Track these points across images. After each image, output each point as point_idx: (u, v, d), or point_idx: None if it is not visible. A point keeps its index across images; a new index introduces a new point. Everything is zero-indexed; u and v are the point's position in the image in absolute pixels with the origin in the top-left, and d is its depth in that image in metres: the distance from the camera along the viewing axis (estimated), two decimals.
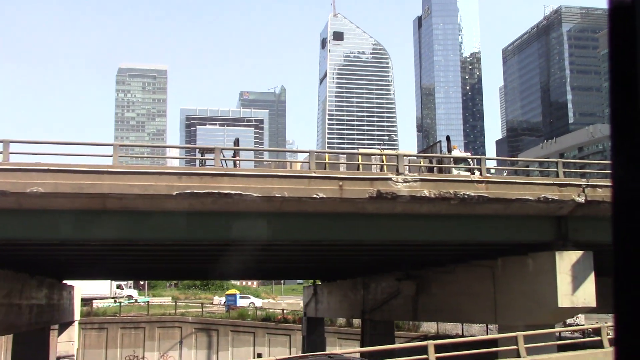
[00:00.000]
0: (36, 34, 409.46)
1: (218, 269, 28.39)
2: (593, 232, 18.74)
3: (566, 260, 18.06)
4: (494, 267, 20.99)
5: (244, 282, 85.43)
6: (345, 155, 25.78)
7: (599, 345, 19.86)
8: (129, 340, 44.00)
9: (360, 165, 21.46)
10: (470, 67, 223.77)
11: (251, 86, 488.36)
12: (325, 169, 18.95)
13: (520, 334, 17.65)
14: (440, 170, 20.05)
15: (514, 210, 17.59)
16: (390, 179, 16.28)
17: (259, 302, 56.85)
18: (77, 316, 36.08)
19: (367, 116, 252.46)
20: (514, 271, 19.96)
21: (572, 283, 17.96)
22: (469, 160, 21.99)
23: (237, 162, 20.71)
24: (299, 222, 16.74)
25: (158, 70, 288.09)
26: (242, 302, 56.74)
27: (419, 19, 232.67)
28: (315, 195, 15.64)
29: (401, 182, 16.26)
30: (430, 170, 20.33)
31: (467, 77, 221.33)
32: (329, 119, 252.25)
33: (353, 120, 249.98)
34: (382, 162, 21.37)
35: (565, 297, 17.83)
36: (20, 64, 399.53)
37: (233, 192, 14.88)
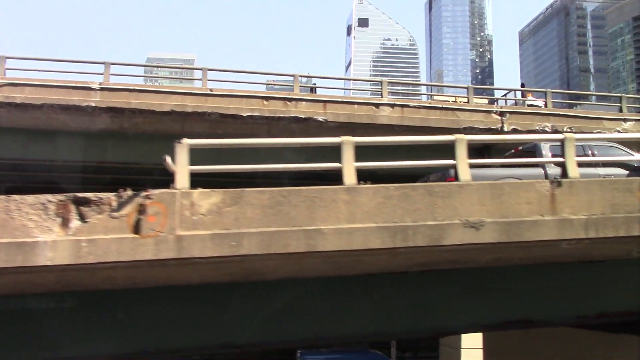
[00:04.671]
0: (65, 28, 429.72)
1: None
2: None
3: None
4: None
5: None
6: None
7: None
8: None
9: None
10: (481, 49, 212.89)
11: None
12: None
13: None
14: None
15: None
16: None
17: None
18: None
19: None
20: None
21: None
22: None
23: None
24: None
25: (186, 60, 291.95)
26: None
27: (430, 1, 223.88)
28: None
29: None
30: None
31: (477, 60, 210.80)
32: None
33: None
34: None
35: None
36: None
37: None
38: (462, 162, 7.75)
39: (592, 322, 9.48)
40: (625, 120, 18.76)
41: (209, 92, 16.59)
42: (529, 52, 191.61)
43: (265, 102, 16.72)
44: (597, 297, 8.84)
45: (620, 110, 19.86)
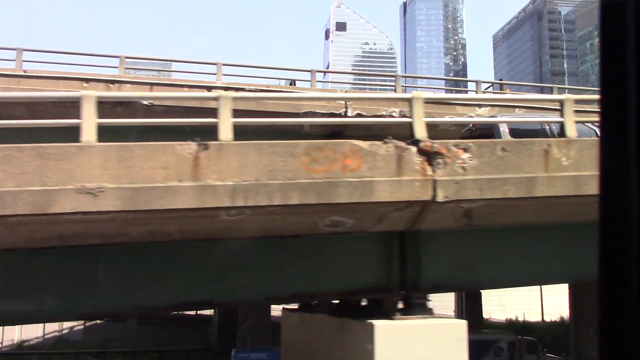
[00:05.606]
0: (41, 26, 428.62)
1: None
2: None
3: None
4: None
5: None
6: None
7: None
8: None
9: None
10: (454, 53, 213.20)
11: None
12: None
13: None
14: None
15: None
16: None
17: None
18: None
19: None
20: None
21: None
22: None
23: None
24: None
25: (163, 63, 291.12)
26: None
27: (404, 5, 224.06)
28: None
29: None
30: None
31: (451, 64, 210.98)
32: None
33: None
34: None
35: None
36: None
37: None
38: (89, 120, 6.97)
39: (287, 303, 8.71)
40: (480, 105, 18.15)
41: (23, 73, 15.71)
42: (503, 56, 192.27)
43: (85, 85, 15.84)
44: (289, 277, 8.07)
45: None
